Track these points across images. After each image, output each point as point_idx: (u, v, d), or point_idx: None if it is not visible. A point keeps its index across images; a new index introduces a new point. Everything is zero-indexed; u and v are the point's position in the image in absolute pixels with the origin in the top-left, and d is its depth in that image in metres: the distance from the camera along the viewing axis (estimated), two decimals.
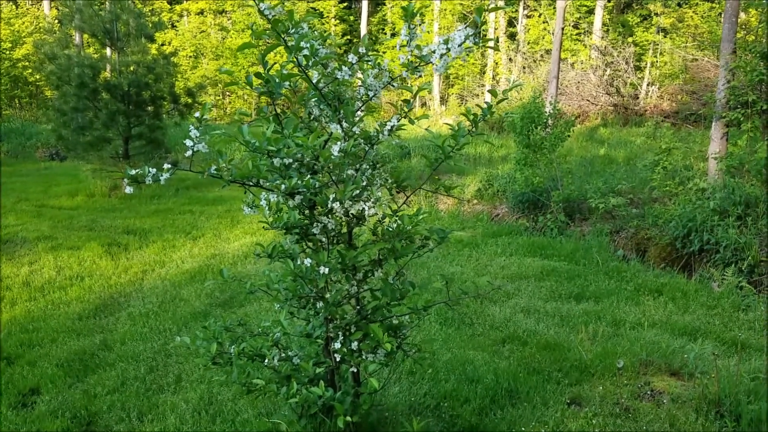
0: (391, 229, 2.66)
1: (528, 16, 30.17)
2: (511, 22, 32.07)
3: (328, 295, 2.80)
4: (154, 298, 6.40)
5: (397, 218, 2.70)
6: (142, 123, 12.61)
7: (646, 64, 27.38)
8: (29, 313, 6.00)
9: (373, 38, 35.46)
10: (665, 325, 5.54)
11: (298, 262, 2.69)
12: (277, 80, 2.63)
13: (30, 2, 31.69)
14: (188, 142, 2.56)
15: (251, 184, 2.78)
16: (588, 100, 23.91)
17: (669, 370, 4.57)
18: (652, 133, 9.95)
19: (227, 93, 32.00)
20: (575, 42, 30.00)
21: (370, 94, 2.77)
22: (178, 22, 34.01)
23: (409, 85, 2.67)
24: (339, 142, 2.60)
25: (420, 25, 2.65)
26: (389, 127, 2.67)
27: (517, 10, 32.01)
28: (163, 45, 28.20)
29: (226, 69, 2.75)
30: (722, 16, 26.82)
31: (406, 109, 2.70)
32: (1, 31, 25.24)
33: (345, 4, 35.60)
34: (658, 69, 26.86)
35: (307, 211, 2.87)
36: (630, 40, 27.29)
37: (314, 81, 2.57)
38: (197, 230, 9.42)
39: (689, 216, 7.79)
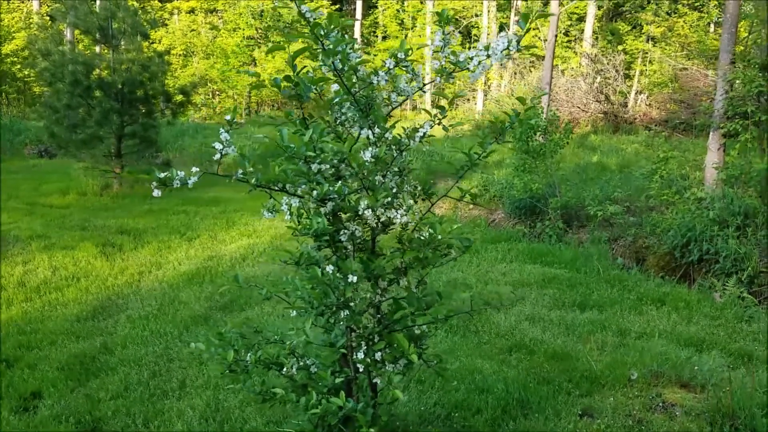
0: (423, 238, 2.61)
1: (518, 23, 30.22)
2: (502, 28, 32.16)
3: (352, 304, 2.74)
4: (152, 301, 6.30)
5: (429, 226, 2.64)
6: (135, 121, 12.47)
7: (635, 72, 27.57)
8: (26, 314, 5.89)
9: (365, 40, 35.44)
10: (670, 335, 5.52)
11: (325, 270, 2.63)
12: (307, 83, 2.57)
13: None
14: (217, 145, 2.50)
15: (277, 189, 2.71)
16: (578, 107, 24.00)
17: (679, 382, 4.54)
18: (650, 141, 10.01)
19: (217, 92, 31.84)
20: (566, 49, 30.16)
21: (399, 99, 2.73)
22: (168, 20, 33.78)
23: (443, 90, 2.63)
24: (371, 148, 2.55)
25: (453, 31, 2.61)
26: (421, 134, 2.62)
27: (508, 16, 32.12)
28: (153, 43, 27.97)
29: (253, 72, 2.69)
30: (710, 25, 27.04)
31: (441, 116, 2.65)
32: None
33: (336, 6, 35.52)
34: (648, 77, 27.05)
35: (331, 218, 2.81)
36: (620, 48, 27.44)
37: (347, 85, 2.51)
38: (192, 231, 9.31)
39: (688, 225, 7.78)
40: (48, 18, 25.09)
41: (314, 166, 2.47)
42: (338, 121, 2.85)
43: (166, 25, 32.77)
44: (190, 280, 6.97)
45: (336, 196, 2.51)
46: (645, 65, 27.88)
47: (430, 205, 2.99)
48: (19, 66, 24.84)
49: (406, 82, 2.64)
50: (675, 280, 7.37)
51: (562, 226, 9.27)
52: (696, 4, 27.40)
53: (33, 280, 6.82)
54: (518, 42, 2.29)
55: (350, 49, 2.61)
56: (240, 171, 2.58)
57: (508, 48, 2.30)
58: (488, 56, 2.36)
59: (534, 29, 29.21)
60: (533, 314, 5.97)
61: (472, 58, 2.41)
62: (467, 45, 32.17)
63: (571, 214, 9.61)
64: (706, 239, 7.54)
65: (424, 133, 2.64)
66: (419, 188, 2.75)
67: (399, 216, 2.59)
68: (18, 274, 6.99)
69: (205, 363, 4.78)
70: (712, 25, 27.86)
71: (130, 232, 9.19)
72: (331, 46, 2.36)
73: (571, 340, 5.38)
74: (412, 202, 2.69)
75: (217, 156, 2.49)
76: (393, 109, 2.75)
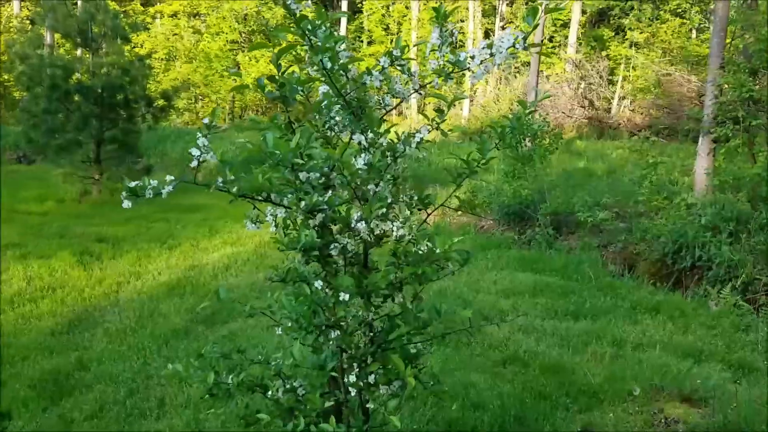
0: (421, 252, 2.41)
1: (503, 28, 30.21)
2: (487, 34, 32.12)
3: (344, 324, 2.53)
4: (130, 313, 6.04)
5: (427, 239, 2.45)
6: (115, 126, 12.18)
7: (619, 78, 27.62)
8: None
9: (351, 44, 35.26)
10: (667, 345, 5.37)
11: (314, 287, 2.43)
12: (294, 85, 2.37)
13: None
14: (194, 152, 2.29)
15: (261, 198, 2.50)
16: (563, 113, 24.00)
17: (681, 396, 4.37)
18: (639, 146, 9.94)
19: (200, 97, 31.51)
20: (550, 55, 30.16)
21: (394, 102, 2.53)
22: (151, 24, 33.38)
23: (442, 92, 2.44)
24: (363, 154, 2.35)
25: (451, 29, 2.42)
26: (418, 139, 2.43)
27: (493, 22, 32.10)
28: (134, 47, 27.59)
29: (234, 70, 2.49)
30: (692, 32, 27.13)
31: (439, 121, 2.46)
32: None
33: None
34: (631, 83, 27.11)
35: (320, 230, 2.60)
36: (603, 54, 27.50)
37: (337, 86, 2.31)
38: (173, 239, 9.05)
39: (680, 231, 7.64)
40: (28, 21, 24.70)
41: (302, 175, 2.26)
42: (327, 125, 2.65)
43: (149, 29, 32.37)
44: (170, 291, 6.72)
45: (326, 207, 2.31)
46: (628, 71, 27.96)
47: (426, 215, 2.80)
48: None
49: (402, 84, 2.44)
50: (667, 288, 7.22)
51: (551, 233, 9.12)
52: (678, 11, 27.56)
53: (6, 291, 6.54)
54: (525, 39, 2.11)
55: (340, 46, 2.41)
56: (220, 179, 2.37)
57: (514, 45, 2.11)
58: (492, 55, 2.17)
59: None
60: (526, 324, 5.79)
61: (473, 57, 2.22)
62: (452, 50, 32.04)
63: (561, 220, 9.47)
64: (698, 245, 7.41)
65: (421, 139, 2.44)
66: (415, 198, 2.56)
67: (395, 228, 2.39)
68: None
69: (184, 381, 4.53)
70: (693, 32, 28.04)
71: (109, 240, 8.91)
72: (319, 43, 2.16)
73: (566, 351, 5.20)
74: (408, 213, 2.49)
75: (194, 163, 2.28)
76: (387, 112, 2.56)
